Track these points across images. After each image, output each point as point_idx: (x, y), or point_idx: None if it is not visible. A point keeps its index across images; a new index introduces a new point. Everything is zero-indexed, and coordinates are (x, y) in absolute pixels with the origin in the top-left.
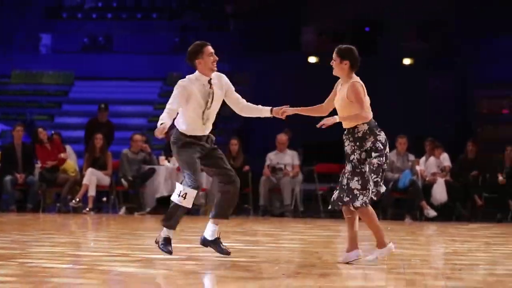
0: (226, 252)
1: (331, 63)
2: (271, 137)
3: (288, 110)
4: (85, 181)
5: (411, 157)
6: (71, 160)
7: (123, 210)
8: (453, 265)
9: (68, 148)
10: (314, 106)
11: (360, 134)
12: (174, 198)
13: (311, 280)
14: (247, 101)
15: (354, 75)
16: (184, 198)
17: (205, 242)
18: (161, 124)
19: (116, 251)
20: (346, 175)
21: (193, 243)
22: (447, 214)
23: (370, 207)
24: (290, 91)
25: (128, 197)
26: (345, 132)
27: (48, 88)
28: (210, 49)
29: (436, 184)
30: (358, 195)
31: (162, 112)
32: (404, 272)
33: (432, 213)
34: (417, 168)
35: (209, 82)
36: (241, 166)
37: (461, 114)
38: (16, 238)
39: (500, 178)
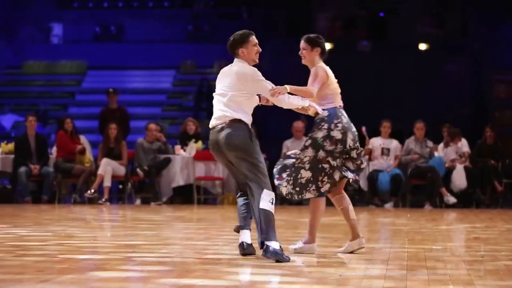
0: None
1: (300, 54)
2: (287, 125)
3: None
4: (100, 171)
5: (430, 143)
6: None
7: (139, 200)
8: (475, 252)
9: (83, 138)
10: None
11: (317, 120)
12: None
13: (332, 268)
14: None
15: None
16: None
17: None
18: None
19: (133, 242)
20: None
21: (211, 231)
22: (467, 200)
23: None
24: (303, 79)
25: (144, 187)
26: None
27: (61, 78)
28: (255, 39)
29: (455, 171)
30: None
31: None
32: (425, 259)
33: (452, 199)
34: (436, 154)
35: None
36: None
37: (478, 99)
38: (32, 230)
39: None
